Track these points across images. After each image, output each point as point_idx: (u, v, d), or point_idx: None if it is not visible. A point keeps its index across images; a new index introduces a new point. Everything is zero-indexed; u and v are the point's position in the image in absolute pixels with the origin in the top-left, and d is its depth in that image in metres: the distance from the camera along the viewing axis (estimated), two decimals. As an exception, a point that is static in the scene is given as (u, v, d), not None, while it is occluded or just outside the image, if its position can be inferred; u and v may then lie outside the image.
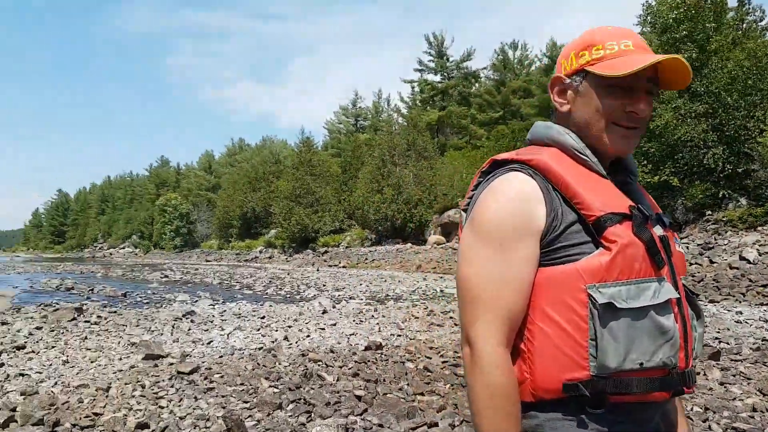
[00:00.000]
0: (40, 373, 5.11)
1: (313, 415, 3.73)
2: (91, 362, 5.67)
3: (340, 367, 5.10)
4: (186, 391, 4.36)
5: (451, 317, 8.91)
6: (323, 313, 9.98)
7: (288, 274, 25.13)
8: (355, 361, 5.32)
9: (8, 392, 4.37)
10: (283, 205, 40.66)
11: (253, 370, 4.99)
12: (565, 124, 1.13)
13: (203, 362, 5.41)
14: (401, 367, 5.11)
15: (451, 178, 34.04)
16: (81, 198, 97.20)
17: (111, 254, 69.24)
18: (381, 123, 49.04)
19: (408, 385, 4.56)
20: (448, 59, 46.71)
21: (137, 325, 8.11)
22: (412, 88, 49.64)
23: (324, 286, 17.95)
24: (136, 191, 79.39)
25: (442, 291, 15.97)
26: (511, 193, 1.03)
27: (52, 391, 4.34)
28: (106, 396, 4.26)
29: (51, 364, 5.51)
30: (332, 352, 5.93)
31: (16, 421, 3.58)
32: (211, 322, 8.66)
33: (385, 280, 20.43)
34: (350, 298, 13.90)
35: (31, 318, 8.47)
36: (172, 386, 4.50)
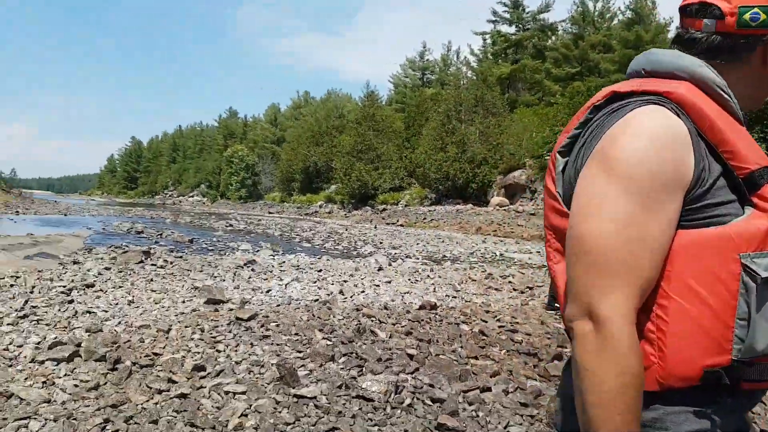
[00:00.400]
0: (106, 311, 5.32)
1: (364, 370, 3.68)
2: (155, 303, 5.86)
3: (393, 325, 5.04)
4: (243, 337, 4.41)
5: (509, 282, 8.68)
6: (379, 270, 9.96)
7: (346, 230, 25.38)
8: (409, 320, 5.24)
9: (75, 328, 4.56)
10: (344, 160, 40.85)
11: (308, 321, 5.00)
12: None
13: (261, 310, 5.47)
14: (455, 329, 4.98)
15: (519, 136, 32.76)
16: (153, 146, 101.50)
17: (180, 202, 72.33)
18: (449, 77, 47.92)
19: (461, 347, 4.43)
20: (524, 10, 44.53)
21: (201, 271, 8.35)
22: (484, 40, 47.92)
23: (381, 243, 17.99)
24: (206, 141, 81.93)
25: (501, 254, 15.66)
26: (658, 132, 0.82)
27: (115, 330, 4.50)
28: (166, 337, 4.37)
29: (117, 303, 5.73)
30: (386, 309, 5.87)
31: (80, 356, 3.72)
32: (271, 272, 8.80)
33: (443, 241, 20.26)
34: (406, 257, 13.85)
35: (101, 258, 8.88)
36: (229, 331, 4.56)
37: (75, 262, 8.26)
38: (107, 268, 7.83)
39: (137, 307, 5.66)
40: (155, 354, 3.87)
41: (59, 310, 5.21)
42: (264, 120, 74.16)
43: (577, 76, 38.86)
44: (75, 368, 3.53)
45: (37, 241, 9.79)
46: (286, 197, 54.10)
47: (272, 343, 4.28)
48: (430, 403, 3.26)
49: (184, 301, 6.03)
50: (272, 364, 3.72)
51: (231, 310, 5.45)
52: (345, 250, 14.91)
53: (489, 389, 3.50)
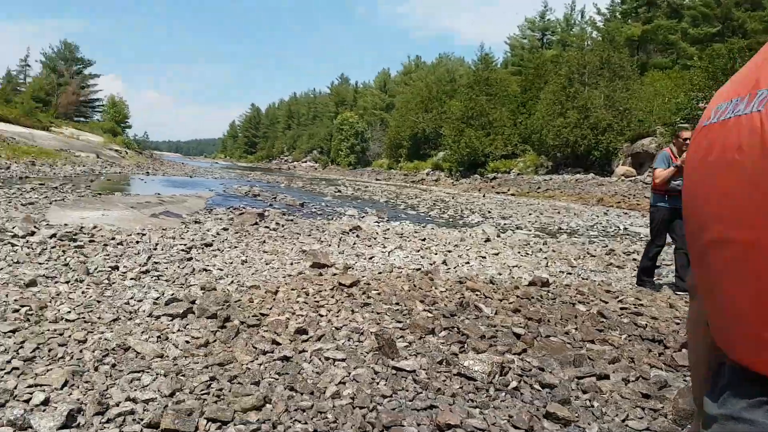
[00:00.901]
0: (221, 270, 5.57)
1: (466, 347, 3.51)
2: (266, 264, 6.06)
3: (500, 301, 4.80)
4: (344, 303, 4.41)
5: (634, 259, 8.03)
6: (486, 241, 9.65)
7: (452, 198, 25.06)
8: (517, 296, 4.96)
9: (191, 285, 4.80)
10: (453, 126, 40.15)
11: (409, 291, 4.91)
12: None
13: (363, 277, 5.46)
14: (570, 309, 4.64)
15: (650, 102, 30.17)
16: (270, 113, 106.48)
17: (294, 167, 75.52)
18: (571, 38, 45.22)
19: (576, 329, 4.11)
20: (659, -35, 40.67)
21: (309, 235, 8.55)
22: (612, -1, 44.59)
23: (489, 213, 17.53)
24: (318, 108, 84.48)
25: (626, 228, 14.65)
26: None
27: (227, 289, 4.68)
28: (274, 299, 4.47)
29: (231, 263, 5.98)
30: (492, 283, 5.63)
31: (194, 313, 3.89)
32: (375, 238, 8.83)
33: (559, 212, 19.35)
34: (517, 228, 13.36)
35: (220, 219, 9.40)
36: (332, 297, 4.58)
37: (196, 222, 8.80)
38: (225, 229, 8.24)
39: (249, 267, 5.88)
40: (262, 314, 3.95)
41: (178, 267, 5.53)
42: (374, 86, 74.76)
43: (717, 36, 34.90)
44: (188, 324, 3.70)
45: (162, 200, 10.57)
46: (393, 164, 54.52)
47: (372, 311, 4.22)
48: (539, 388, 3.03)
49: (291, 263, 6.18)
50: (371, 333, 3.67)
51: (335, 275, 5.49)
52: (451, 219, 14.68)
53: (607, 377, 3.19)
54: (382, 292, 4.79)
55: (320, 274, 5.43)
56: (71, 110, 55.46)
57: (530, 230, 13.03)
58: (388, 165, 55.36)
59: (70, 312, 3.77)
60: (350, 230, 9.41)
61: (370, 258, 6.97)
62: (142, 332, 3.51)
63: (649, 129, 30.13)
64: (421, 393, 2.80)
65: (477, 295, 4.89)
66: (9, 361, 2.89)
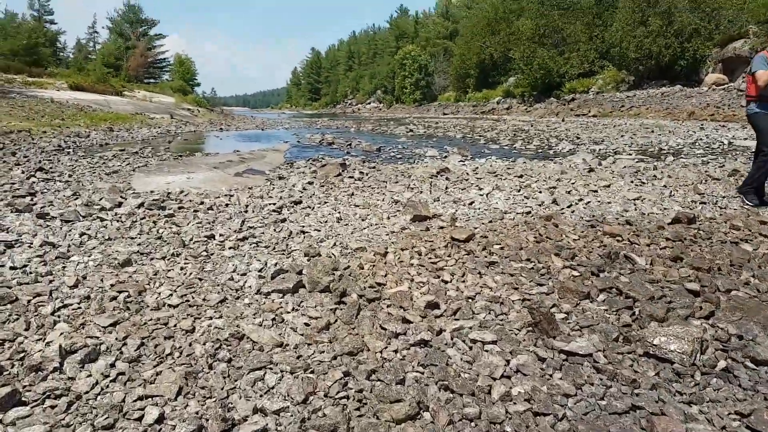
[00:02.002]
0: (318, 231, 5.13)
1: (639, 314, 2.86)
2: (362, 221, 5.58)
3: (648, 246, 4.05)
4: (467, 263, 3.83)
5: None
6: (589, 171, 8.73)
7: (531, 126, 23.65)
8: (666, 239, 4.19)
9: (293, 251, 4.38)
10: (524, 47, 37.66)
11: (538, 243, 4.25)
12: None
13: (475, 228, 4.85)
14: (736, 251, 3.84)
15: (741, -1, 26.86)
16: (330, 56, 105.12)
17: (359, 109, 74.68)
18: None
19: (755, 278, 3.35)
20: None
21: (396, 182, 7.99)
22: None
23: (578, 138, 16.26)
24: (379, 45, 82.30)
25: (730, 143, 13.12)
26: None
27: (332, 254, 4.21)
28: (384, 262, 3.96)
29: (326, 222, 5.54)
30: (629, 224, 4.85)
31: (304, 287, 3.45)
32: (467, 180, 8.14)
33: (652, 131, 17.73)
34: (615, 153, 12.21)
35: (303, 173, 8.98)
36: (449, 256, 4.02)
37: (280, 178, 8.43)
38: (310, 183, 7.82)
39: (346, 224, 5.42)
40: (378, 284, 3.46)
41: (274, 230, 5.14)
42: (435, 14, 71.33)
43: None
44: (302, 302, 3.26)
45: (243, 158, 10.29)
46: (460, 96, 52.51)
47: (503, 272, 3.63)
48: (753, 366, 2.36)
49: (389, 217, 5.67)
50: (513, 302, 3.09)
51: (441, 228, 4.92)
52: (539, 150, 13.65)
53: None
54: (505, 246, 4.16)
55: (427, 229, 4.86)
56: (141, 72, 56.83)
57: (630, 154, 11.87)
58: (456, 97, 53.39)
59: (171, 295, 3.43)
60: (438, 173, 8.75)
61: (470, 203, 6.32)
62: (254, 314, 3.11)
63: (741, 30, 26.89)
64: (611, 387, 2.21)
65: (620, 241, 4.17)
66: (113, 364, 2.55)
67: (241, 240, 4.76)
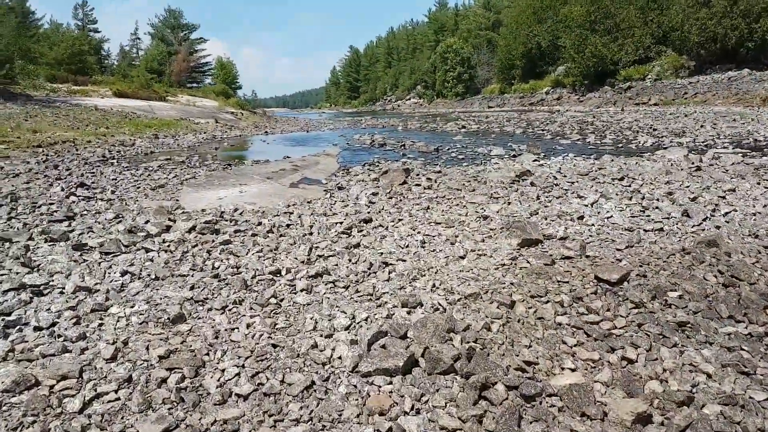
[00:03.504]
0: (403, 260, 4.16)
1: None
2: (451, 245, 4.59)
3: None
4: (644, 325, 2.75)
5: None
6: (696, 170, 7.50)
7: (593, 117, 22.12)
8: None
9: (382, 295, 3.40)
10: (575, 34, 35.82)
11: (726, 286, 3.14)
12: None
13: (618, 261, 3.76)
14: None
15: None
16: (369, 53, 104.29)
17: (399, 106, 73.52)
18: None
19: None
20: None
21: (473, 190, 6.96)
22: None
23: (654, 130, 14.80)
24: (418, 40, 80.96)
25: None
26: None
27: (438, 303, 3.22)
28: (518, 320, 2.92)
29: (407, 246, 4.57)
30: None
31: (419, 366, 2.48)
32: (556, 184, 7.04)
33: (733, 120, 16.07)
34: (706, 146, 10.83)
35: (363, 181, 8.04)
36: (608, 309, 2.95)
37: (339, 188, 7.52)
38: (374, 194, 6.88)
39: (433, 250, 4.43)
40: (528, 364, 2.45)
41: (349, 260, 4.21)
42: (476, 5, 69.40)
43: None
44: (422, 395, 2.28)
45: (296, 165, 9.43)
46: (506, 88, 50.77)
47: (709, 342, 2.56)
48: None
49: (483, 240, 4.66)
50: (760, 404, 2.04)
51: (568, 258, 3.87)
52: (619, 144, 12.32)
53: None
54: (683, 292, 3.07)
55: (551, 262, 3.81)
56: (184, 77, 57.25)
57: (726, 147, 10.47)
58: (500, 89, 51.66)
59: (239, 375, 2.53)
60: (518, 176, 7.66)
61: (579, 218, 5.24)
62: (358, 419, 2.16)
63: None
64: None
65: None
66: None
67: (313, 277, 3.84)
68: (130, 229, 5.07)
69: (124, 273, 3.94)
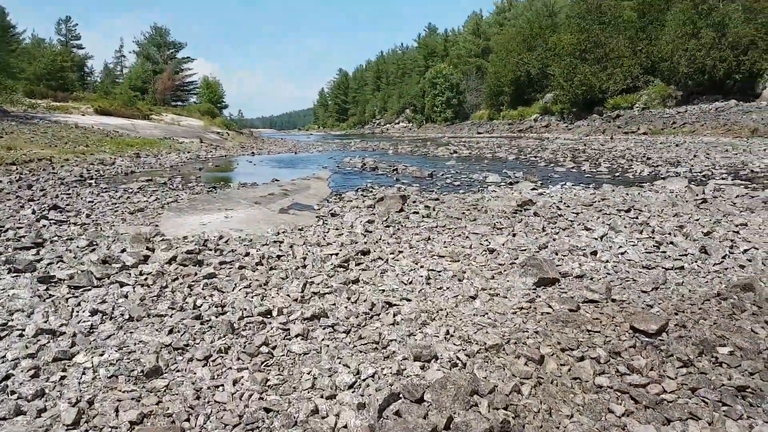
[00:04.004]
0: (408, 300, 3.76)
1: None
2: (459, 281, 4.20)
3: None
4: (700, 390, 2.37)
5: None
6: (702, 202, 7.24)
7: (584, 145, 22.07)
8: None
9: (389, 343, 2.99)
10: (564, 63, 36.13)
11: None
12: None
13: (649, 307, 3.39)
14: None
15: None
16: (358, 75, 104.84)
17: (387, 129, 73.65)
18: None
19: None
20: None
21: (474, 219, 6.60)
22: None
23: (648, 159, 14.66)
24: (407, 64, 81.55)
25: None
26: None
27: (456, 357, 2.80)
28: (552, 381, 2.51)
29: (411, 282, 4.17)
30: None
31: (444, 442, 2.06)
32: (560, 215, 6.71)
33: (726, 150, 16.03)
34: (703, 176, 10.65)
35: (357, 207, 7.65)
36: (652, 369, 2.56)
37: (333, 215, 7.11)
38: (370, 221, 6.49)
39: (439, 287, 4.05)
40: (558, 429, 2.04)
41: (348, 299, 3.79)
42: (465, 32, 70.13)
43: None
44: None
45: (286, 190, 9.00)
46: (494, 114, 51.03)
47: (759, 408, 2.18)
48: None
49: (493, 277, 4.28)
50: None
51: (593, 302, 3.49)
52: (615, 173, 12.09)
53: None
54: (734, 347, 2.70)
55: (576, 308, 3.42)
56: (168, 95, 56.68)
57: (725, 178, 10.29)
58: (489, 115, 51.92)
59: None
60: (519, 206, 7.33)
61: (592, 253, 4.88)
62: None
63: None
64: None
65: None
66: None
67: (309, 320, 3.42)
68: (104, 259, 4.60)
69: (94, 312, 3.48)
